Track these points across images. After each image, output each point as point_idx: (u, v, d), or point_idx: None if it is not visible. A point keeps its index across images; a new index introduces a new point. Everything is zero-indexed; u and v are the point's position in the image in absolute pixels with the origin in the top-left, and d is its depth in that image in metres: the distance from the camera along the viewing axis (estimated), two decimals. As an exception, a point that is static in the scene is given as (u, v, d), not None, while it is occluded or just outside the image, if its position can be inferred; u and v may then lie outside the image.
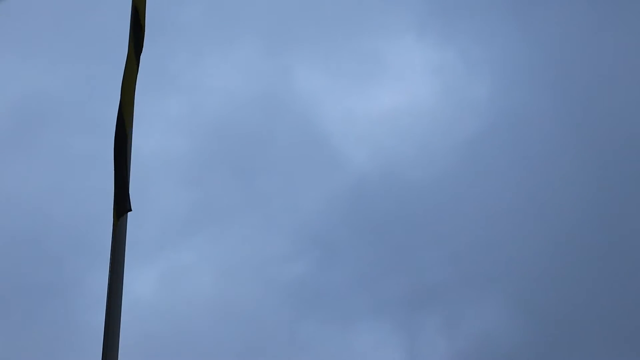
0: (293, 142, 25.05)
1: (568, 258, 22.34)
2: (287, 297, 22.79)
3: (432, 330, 22.21)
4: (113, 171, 8.85)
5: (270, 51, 26.08)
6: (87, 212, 22.03)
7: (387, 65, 26.39)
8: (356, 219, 24.01)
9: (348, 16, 26.43)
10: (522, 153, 24.20)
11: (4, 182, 21.66)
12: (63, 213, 21.33)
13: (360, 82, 26.27)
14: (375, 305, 22.83)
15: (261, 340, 22.10)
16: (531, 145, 24.17)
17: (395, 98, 25.82)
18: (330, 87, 26.12)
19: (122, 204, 8.79)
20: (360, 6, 26.46)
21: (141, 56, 9.49)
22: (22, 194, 21.42)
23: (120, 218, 8.83)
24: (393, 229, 23.79)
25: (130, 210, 8.83)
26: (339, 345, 22.16)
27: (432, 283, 22.90)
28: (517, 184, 23.80)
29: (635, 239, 21.93)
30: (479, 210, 23.57)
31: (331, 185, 24.36)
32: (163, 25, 23.55)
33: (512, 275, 22.64)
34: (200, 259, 23.37)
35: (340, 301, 22.82)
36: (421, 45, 26.29)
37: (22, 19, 23.19)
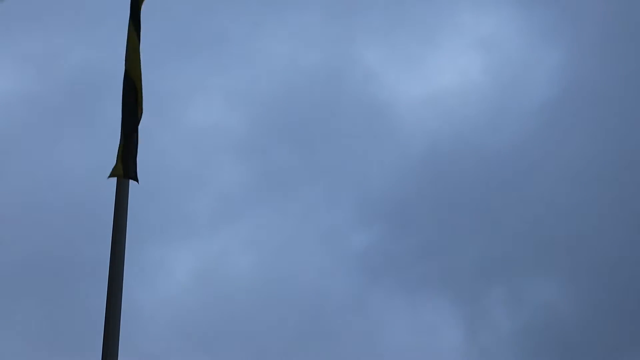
0: (356, 112, 24.90)
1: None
2: (353, 268, 22.63)
3: (495, 301, 21.95)
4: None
5: (331, 20, 25.89)
6: (138, 188, 21.96)
7: (457, 32, 26.25)
8: (425, 189, 23.74)
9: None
10: (598, 119, 23.67)
11: (58, 155, 21.98)
12: (111, 188, 21.32)
13: (428, 49, 26.15)
14: (441, 275, 22.66)
15: (327, 310, 22.06)
16: (607, 112, 23.60)
17: (466, 65, 25.80)
18: (395, 54, 25.97)
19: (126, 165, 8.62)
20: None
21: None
22: (76, 166, 21.38)
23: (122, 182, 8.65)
24: (462, 199, 23.45)
25: (132, 177, 8.75)
26: (405, 314, 22.03)
27: (498, 254, 22.62)
28: (591, 152, 23.23)
29: None
30: (551, 179, 23.15)
31: (398, 154, 24.24)
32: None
33: (581, 249, 22.12)
34: (263, 231, 23.29)
35: (406, 271, 22.68)
36: (495, 13, 26.18)
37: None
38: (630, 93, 23.48)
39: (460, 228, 23.13)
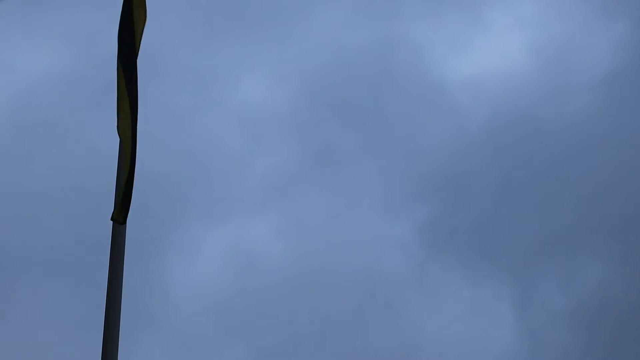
0: (408, 87, 24.59)
1: None
2: (410, 244, 22.40)
3: (549, 279, 21.62)
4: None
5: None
6: (179, 168, 22.38)
7: (513, 4, 25.73)
8: (481, 164, 23.37)
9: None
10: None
11: (98, 135, 21.73)
12: (156, 168, 21.38)
13: (483, 24, 25.69)
14: (496, 251, 22.37)
15: (384, 286, 21.86)
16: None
17: (525, 38, 25.24)
18: (446, 29, 25.54)
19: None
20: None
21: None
22: (115, 147, 21.32)
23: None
24: (521, 174, 23.10)
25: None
26: (459, 290, 21.83)
27: (555, 230, 22.22)
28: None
29: None
30: (612, 155, 22.53)
31: (453, 130, 23.87)
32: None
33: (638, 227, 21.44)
34: (315, 209, 23.10)
35: (461, 246, 22.57)
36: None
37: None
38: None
39: (517, 203, 22.90)
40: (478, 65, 25.29)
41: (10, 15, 23.09)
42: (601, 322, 20.42)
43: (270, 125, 23.89)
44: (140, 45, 8.98)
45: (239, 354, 20.12)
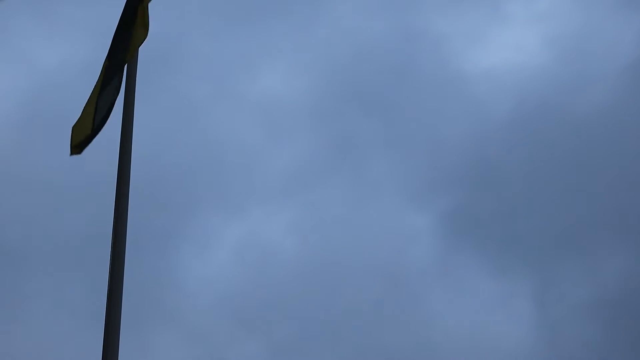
0: (429, 77, 24.51)
1: None
2: (431, 234, 22.42)
3: (570, 271, 21.46)
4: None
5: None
6: (197, 159, 22.32)
7: None
8: (504, 154, 23.26)
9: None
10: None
11: (117, 126, 21.44)
12: (173, 159, 21.24)
13: (505, 13, 25.72)
14: (518, 242, 22.22)
15: (403, 278, 21.80)
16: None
17: (547, 28, 25.23)
18: (469, 18, 25.48)
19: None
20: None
21: None
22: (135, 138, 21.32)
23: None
24: (541, 165, 22.87)
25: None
26: (480, 283, 21.69)
27: (578, 221, 22.08)
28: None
29: None
30: (636, 145, 22.26)
31: (474, 119, 23.73)
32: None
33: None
34: (338, 198, 23.03)
35: (482, 237, 22.41)
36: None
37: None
38: None
39: (538, 195, 22.72)
40: (497, 56, 25.29)
41: (28, 7, 22.97)
42: (623, 315, 20.19)
43: (289, 116, 23.83)
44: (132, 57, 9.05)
45: (254, 347, 20.01)
